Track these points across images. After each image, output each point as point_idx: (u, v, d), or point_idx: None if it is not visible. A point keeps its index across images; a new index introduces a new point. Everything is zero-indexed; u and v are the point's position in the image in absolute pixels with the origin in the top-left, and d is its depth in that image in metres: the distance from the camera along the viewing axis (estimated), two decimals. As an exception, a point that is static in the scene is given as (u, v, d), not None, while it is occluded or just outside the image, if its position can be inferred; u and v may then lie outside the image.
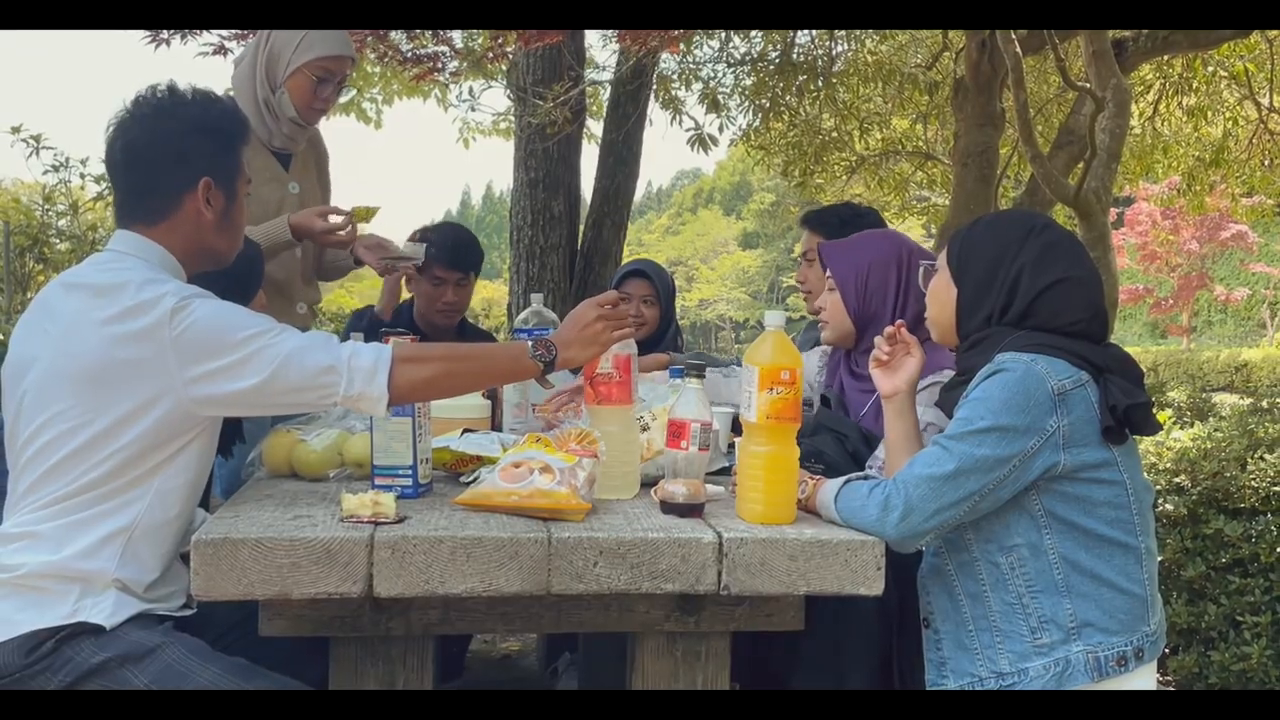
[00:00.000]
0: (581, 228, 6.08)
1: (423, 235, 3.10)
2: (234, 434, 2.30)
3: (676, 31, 4.79)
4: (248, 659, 1.63)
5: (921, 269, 2.00)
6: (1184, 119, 7.44)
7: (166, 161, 1.70)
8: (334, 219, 2.62)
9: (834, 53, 6.73)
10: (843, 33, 6.79)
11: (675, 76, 6.44)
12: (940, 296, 1.88)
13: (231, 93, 2.77)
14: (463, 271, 3.11)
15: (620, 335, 1.81)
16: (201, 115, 1.73)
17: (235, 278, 2.16)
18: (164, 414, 1.62)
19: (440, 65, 5.24)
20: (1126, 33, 5.67)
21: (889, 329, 1.93)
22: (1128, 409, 1.65)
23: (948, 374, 1.99)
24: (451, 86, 6.26)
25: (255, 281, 2.23)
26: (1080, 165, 5.11)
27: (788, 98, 6.60)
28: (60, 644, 1.58)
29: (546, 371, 1.77)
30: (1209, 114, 7.36)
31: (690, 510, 1.67)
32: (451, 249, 3.07)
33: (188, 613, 1.76)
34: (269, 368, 1.59)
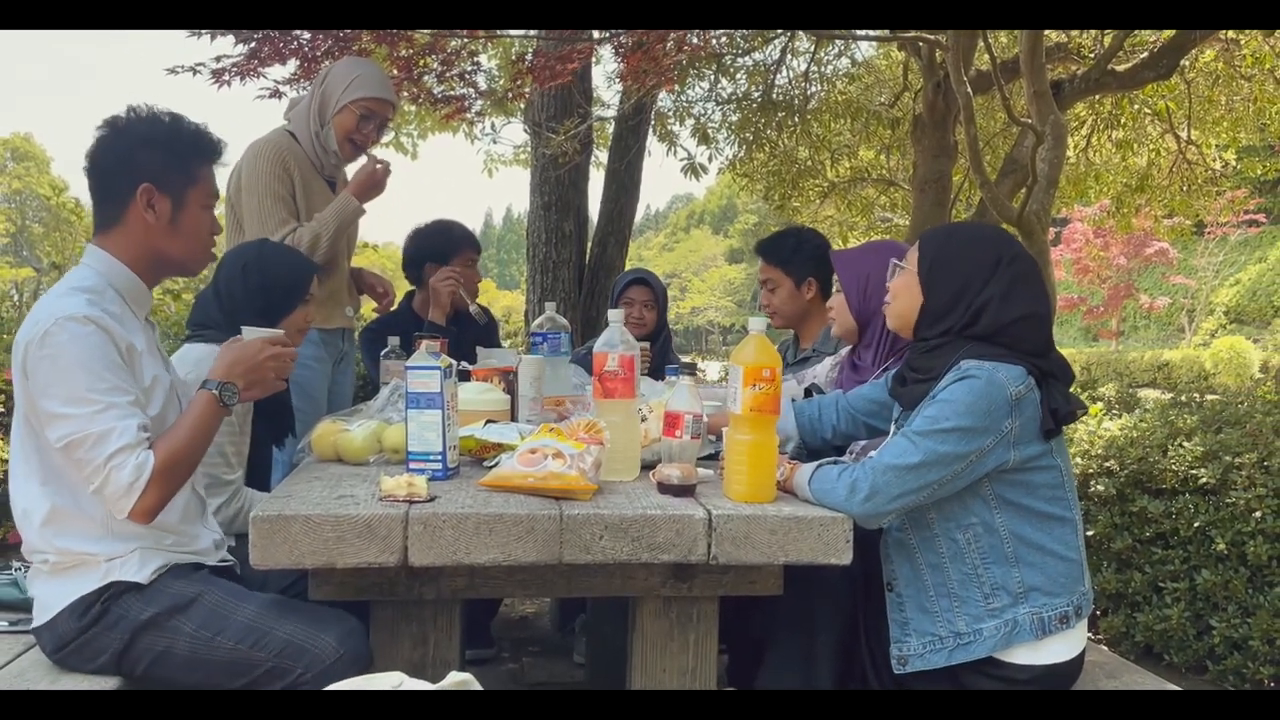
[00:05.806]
0: (589, 245, 6.09)
1: (417, 232, 3.12)
2: (287, 427, 2.28)
3: (673, 73, 4.79)
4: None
5: (890, 266, 1.89)
6: (1113, 150, 7.43)
7: (114, 172, 1.66)
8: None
9: (809, 92, 6.74)
10: (816, 74, 6.80)
11: (671, 113, 6.47)
12: (903, 296, 1.81)
13: (288, 128, 2.79)
14: (476, 252, 3.14)
15: (277, 379, 1.76)
16: (148, 131, 1.68)
17: (285, 290, 2.13)
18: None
19: (467, 105, 5.23)
20: (1064, 74, 5.67)
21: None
22: (1066, 412, 1.66)
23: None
24: (476, 123, 6.26)
25: (300, 294, 2.15)
26: (1023, 190, 5.09)
27: (768, 132, 6.61)
28: (107, 604, 1.58)
29: (230, 405, 1.69)
30: (1135, 146, 7.35)
31: (684, 490, 1.67)
32: (470, 236, 3.14)
33: (224, 564, 1.75)
34: (67, 439, 1.52)
